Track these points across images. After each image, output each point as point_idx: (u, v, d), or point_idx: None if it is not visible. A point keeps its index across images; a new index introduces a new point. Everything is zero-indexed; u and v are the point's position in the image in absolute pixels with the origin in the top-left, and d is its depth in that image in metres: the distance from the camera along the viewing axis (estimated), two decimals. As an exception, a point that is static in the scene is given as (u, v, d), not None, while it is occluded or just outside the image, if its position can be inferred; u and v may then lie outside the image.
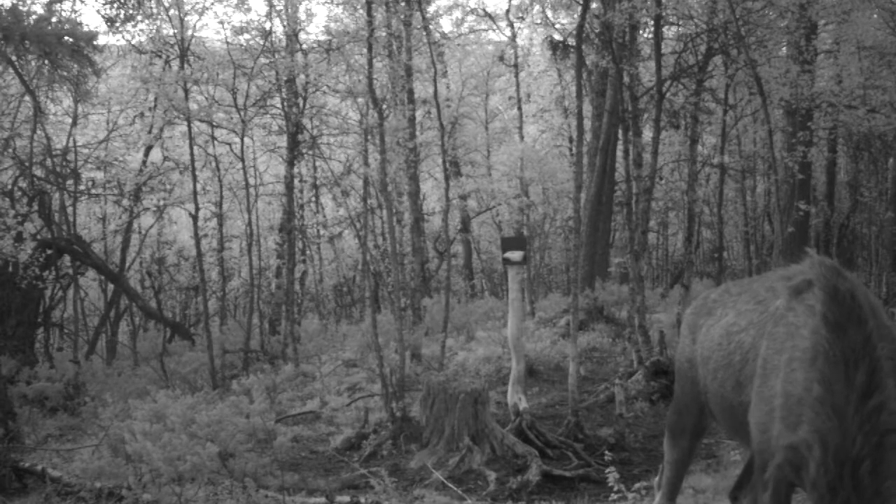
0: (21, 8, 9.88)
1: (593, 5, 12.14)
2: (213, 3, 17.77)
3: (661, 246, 25.33)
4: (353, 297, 23.89)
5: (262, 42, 15.97)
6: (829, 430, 2.95)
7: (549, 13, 21.47)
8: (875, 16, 15.84)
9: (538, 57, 23.79)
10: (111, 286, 18.54)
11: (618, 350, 13.41)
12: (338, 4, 17.15)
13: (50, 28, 9.65)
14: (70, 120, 17.73)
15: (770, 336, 3.44)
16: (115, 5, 12.95)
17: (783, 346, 3.31)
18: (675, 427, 4.51)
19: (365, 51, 11.75)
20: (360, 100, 15.40)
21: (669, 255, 25.75)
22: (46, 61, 11.08)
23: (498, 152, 23.06)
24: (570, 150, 21.03)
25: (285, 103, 16.02)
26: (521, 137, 20.88)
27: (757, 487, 4.40)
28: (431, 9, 20.53)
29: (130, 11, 13.57)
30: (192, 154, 14.55)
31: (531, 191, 21.43)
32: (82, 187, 18.02)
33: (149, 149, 18.30)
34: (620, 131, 14.60)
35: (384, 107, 14.88)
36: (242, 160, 16.02)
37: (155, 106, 17.17)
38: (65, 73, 11.80)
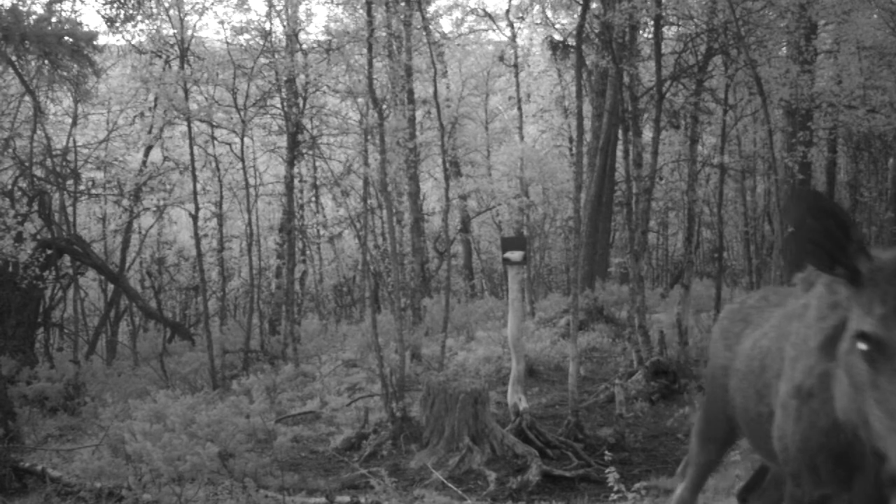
0: (21, 8, 9.89)
1: (593, 5, 12.14)
2: (213, 3, 17.77)
3: (661, 246, 25.33)
4: (353, 297, 23.89)
5: (262, 42, 15.98)
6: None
7: (549, 13, 21.50)
8: (875, 16, 15.82)
9: (538, 57, 23.79)
10: (111, 286, 18.53)
11: (618, 350, 13.41)
12: (338, 4, 17.14)
13: (50, 28, 9.66)
14: (70, 120, 17.73)
15: (788, 338, 3.23)
16: (115, 5, 12.97)
17: (796, 341, 3.11)
18: (702, 434, 4.27)
19: (365, 51, 11.74)
20: (360, 100, 15.40)
21: (669, 255, 25.75)
22: (46, 61, 11.09)
23: (498, 152, 23.07)
24: (570, 150, 21.02)
25: (285, 103, 16.02)
26: (521, 137, 20.88)
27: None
28: (431, 9, 20.56)
29: (130, 11, 13.58)
30: (192, 154, 14.55)
31: (531, 191, 21.43)
32: (82, 187, 18.02)
33: (149, 149, 18.29)
34: (620, 131, 14.60)
35: (384, 107, 14.87)
36: (242, 160, 16.02)
37: (155, 106, 17.17)
38: (65, 73, 11.81)
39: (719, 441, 4.16)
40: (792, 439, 2.97)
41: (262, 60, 15.90)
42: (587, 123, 17.59)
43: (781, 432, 3.03)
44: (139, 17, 14.65)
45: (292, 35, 15.82)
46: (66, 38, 10.02)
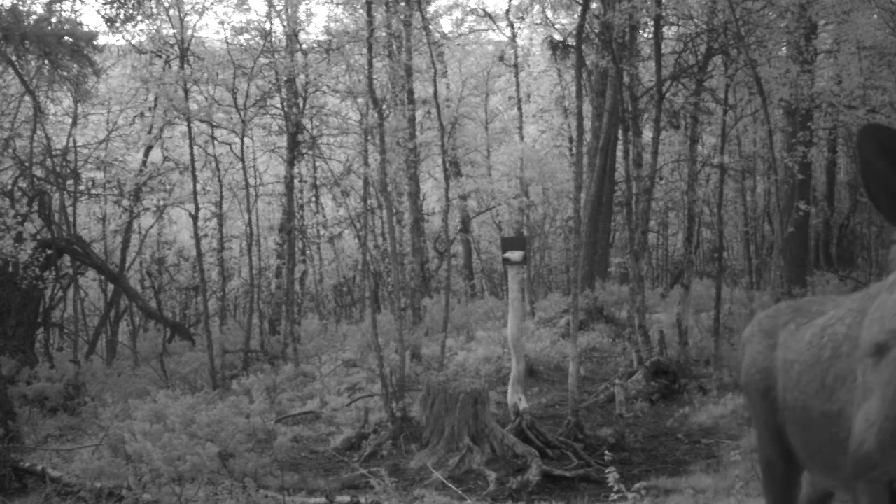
0: (21, 8, 9.89)
1: (593, 5, 12.14)
2: (213, 3, 17.80)
3: (661, 246, 25.32)
4: (353, 297, 23.89)
5: (262, 42, 15.98)
6: None
7: (549, 13, 21.53)
8: (875, 16, 15.82)
9: (538, 57, 23.81)
10: (111, 286, 18.53)
11: (618, 350, 13.41)
12: (338, 4, 17.14)
13: (50, 28, 9.65)
14: (70, 120, 17.72)
15: (869, 315, 2.75)
16: (115, 5, 12.96)
17: (882, 307, 2.67)
18: (760, 458, 3.75)
19: (365, 51, 11.74)
20: (360, 100, 15.39)
21: (669, 255, 25.75)
22: (46, 61, 11.09)
23: (498, 152, 23.07)
24: (570, 150, 21.03)
25: (285, 103, 16.02)
26: (521, 137, 20.89)
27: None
28: (431, 9, 20.57)
29: (130, 11, 13.57)
30: (192, 154, 14.55)
31: (531, 191, 21.44)
32: (82, 187, 18.02)
33: (149, 149, 18.30)
34: (620, 131, 14.59)
35: (384, 107, 14.87)
36: (242, 160, 16.02)
37: (155, 106, 17.18)
38: (65, 73, 11.80)
39: (776, 459, 3.52)
40: (880, 409, 2.59)
41: (262, 60, 15.91)
42: (587, 123, 17.58)
43: (866, 414, 2.64)
44: (139, 17, 14.65)
45: (292, 35, 15.82)
46: (66, 38, 10.03)
